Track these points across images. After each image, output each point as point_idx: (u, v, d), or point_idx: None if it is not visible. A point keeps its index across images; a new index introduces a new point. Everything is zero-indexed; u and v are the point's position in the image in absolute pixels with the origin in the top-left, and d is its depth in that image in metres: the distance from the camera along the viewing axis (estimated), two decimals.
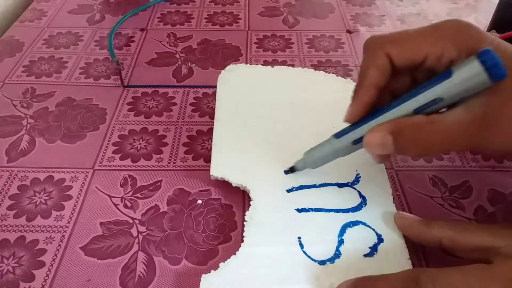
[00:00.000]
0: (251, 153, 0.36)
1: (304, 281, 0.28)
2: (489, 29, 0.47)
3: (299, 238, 0.30)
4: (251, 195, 0.33)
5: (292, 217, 0.32)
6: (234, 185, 0.34)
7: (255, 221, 0.31)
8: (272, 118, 0.39)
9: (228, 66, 0.45)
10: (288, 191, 0.33)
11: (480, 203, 0.34)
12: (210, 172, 0.34)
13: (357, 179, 0.34)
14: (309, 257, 0.29)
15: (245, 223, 0.31)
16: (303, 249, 0.30)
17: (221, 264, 0.29)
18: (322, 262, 0.29)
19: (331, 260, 0.29)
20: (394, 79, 0.28)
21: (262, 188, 0.33)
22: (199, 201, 0.34)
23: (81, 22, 0.55)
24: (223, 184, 0.34)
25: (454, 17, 0.38)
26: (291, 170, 0.34)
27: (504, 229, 0.26)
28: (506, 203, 0.34)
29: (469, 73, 0.24)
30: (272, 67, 0.45)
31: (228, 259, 0.29)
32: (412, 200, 0.34)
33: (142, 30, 0.54)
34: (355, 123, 0.29)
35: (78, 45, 0.51)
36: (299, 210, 0.32)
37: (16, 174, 0.36)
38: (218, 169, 0.34)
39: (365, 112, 0.28)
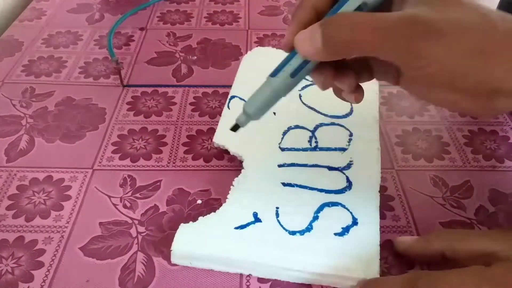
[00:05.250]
0: (256, 128, 0.36)
1: (272, 247, 0.29)
2: None
3: (277, 208, 0.32)
4: (244, 164, 0.35)
5: (276, 189, 0.33)
6: (231, 153, 0.36)
7: (242, 186, 0.33)
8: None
9: (255, 48, 0.48)
10: (280, 166, 0.35)
11: (481, 203, 0.34)
12: (213, 139, 0.37)
13: (348, 166, 0.35)
14: (281, 226, 0.30)
15: (231, 187, 0.33)
16: (278, 218, 0.31)
17: (200, 218, 0.30)
18: (292, 233, 0.30)
19: (302, 232, 0.30)
20: None
21: (255, 159, 0.35)
22: (199, 201, 0.34)
23: (80, 22, 0.55)
24: (223, 184, 0.34)
25: None
26: (234, 128, 0.29)
27: (503, 234, 0.26)
28: (507, 203, 0.34)
29: None
30: None
31: (208, 215, 0.31)
32: (413, 200, 0.34)
33: (141, 29, 0.54)
34: (291, 54, 0.26)
35: (78, 45, 0.51)
36: (284, 184, 0.33)
37: (15, 174, 0.36)
38: (221, 137, 0.37)
39: None
